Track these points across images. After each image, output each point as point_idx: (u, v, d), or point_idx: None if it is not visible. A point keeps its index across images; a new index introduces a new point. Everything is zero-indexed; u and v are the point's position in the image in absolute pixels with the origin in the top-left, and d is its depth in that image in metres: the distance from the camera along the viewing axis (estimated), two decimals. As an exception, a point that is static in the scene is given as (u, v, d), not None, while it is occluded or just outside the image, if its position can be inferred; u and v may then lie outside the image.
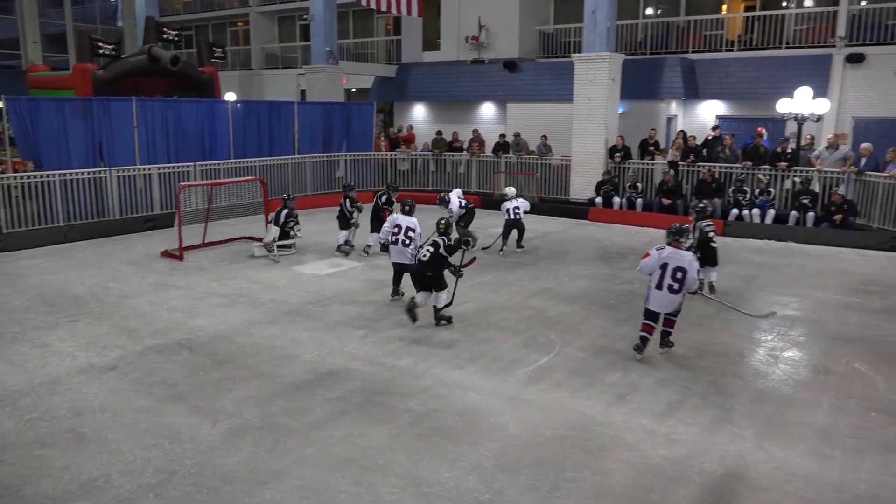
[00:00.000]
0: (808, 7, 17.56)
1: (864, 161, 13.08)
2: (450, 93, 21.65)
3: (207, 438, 5.10)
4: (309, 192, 16.90)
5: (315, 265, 10.64)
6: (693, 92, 17.99)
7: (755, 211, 13.44)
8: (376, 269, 10.42)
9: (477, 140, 18.09)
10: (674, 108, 18.52)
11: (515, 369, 6.47)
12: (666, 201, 14.38)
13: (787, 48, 17.26)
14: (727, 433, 5.24)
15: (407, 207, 8.80)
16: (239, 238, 12.28)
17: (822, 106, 13.58)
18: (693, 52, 18.37)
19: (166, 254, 11.07)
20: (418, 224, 8.57)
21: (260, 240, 11.43)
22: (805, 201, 13.06)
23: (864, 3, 16.72)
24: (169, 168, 14.11)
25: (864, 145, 13.32)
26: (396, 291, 8.77)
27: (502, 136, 17.94)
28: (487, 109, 21.52)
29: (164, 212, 13.69)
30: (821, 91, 15.05)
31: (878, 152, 13.23)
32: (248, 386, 6.05)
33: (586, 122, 15.86)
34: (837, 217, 12.51)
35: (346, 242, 11.45)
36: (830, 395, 5.94)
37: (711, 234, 8.94)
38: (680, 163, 14.78)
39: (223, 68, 23.36)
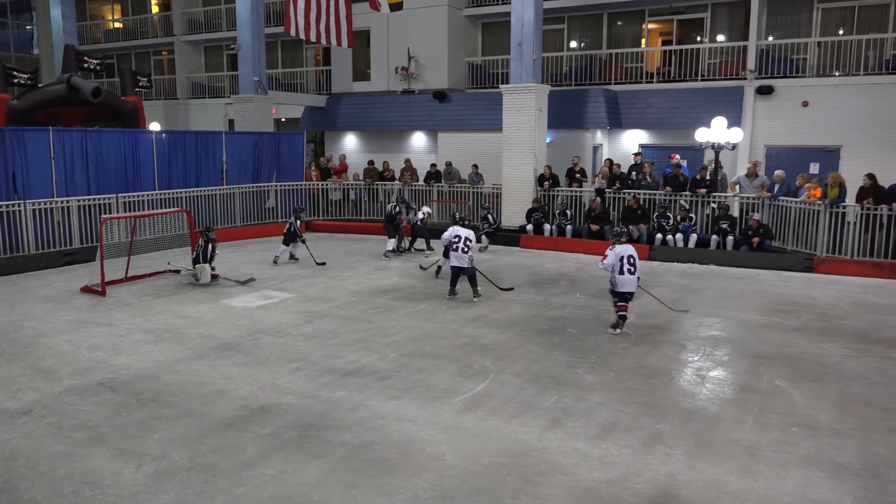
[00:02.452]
0: (721, 42, 18.55)
1: (777, 187, 13.80)
2: (381, 123, 21.74)
3: (131, 483, 4.86)
4: (238, 223, 16.56)
5: (245, 298, 10.39)
6: (616, 121, 18.64)
7: (678, 236, 13.95)
8: (308, 300, 10.27)
9: (409, 169, 18.19)
10: (599, 136, 19.13)
11: (451, 398, 6.45)
12: (594, 227, 14.77)
13: (702, 80, 18.14)
14: (659, 454, 5.35)
15: (466, 221, 10.74)
16: (164, 271, 11.89)
17: (737, 135, 14.30)
18: (615, 83, 19.09)
19: (87, 289, 10.61)
20: (474, 235, 10.43)
21: (178, 270, 11.30)
22: (724, 226, 13.65)
23: (770, 39, 17.78)
24: (89, 200, 13.59)
25: (778, 172, 14.06)
26: (453, 291, 10.34)
27: (433, 165, 18.11)
28: (418, 139, 21.70)
29: (84, 245, 13.15)
30: (735, 121, 15.87)
31: (789, 178, 13.99)
32: (175, 425, 5.81)
33: (515, 150, 16.20)
34: (755, 240, 13.11)
35: (292, 256, 13.25)
36: (754, 412, 6.16)
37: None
38: (606, 190, 15.24)
39: (147, 98, 22.80)
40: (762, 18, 17.54)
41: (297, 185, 17.94)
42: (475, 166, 17.49)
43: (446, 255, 11.75)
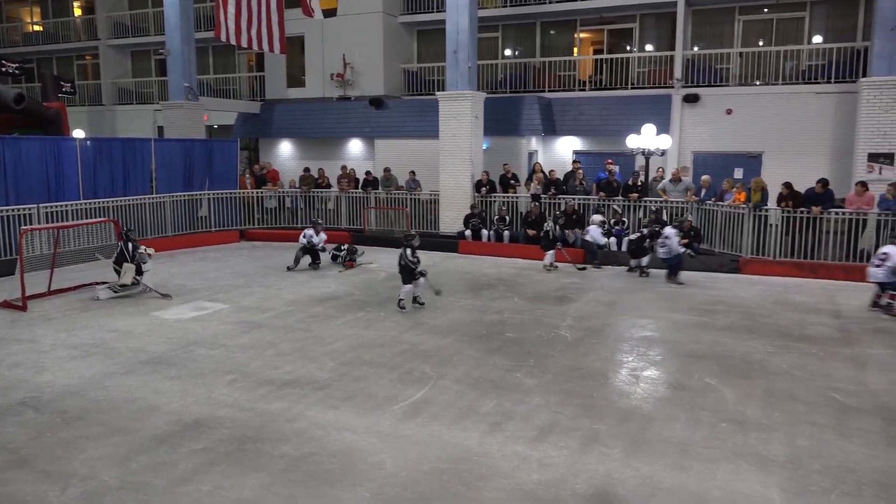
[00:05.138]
0: (649, 52, 19.14)
1: (704, 191, 14.31)
2: (316, 130, 21.52)
3: (56, 506, 4.64)
4: (169, 233, 16.08)
5: (177, 309, 10.09)
6: (551, 128, 18.98)
7: (612, 239, 14.28)
8: (244, 310, 10.04)
9: (346, 176, 18.05)
10: (534, 143, 19.43)
11: (391, 405, 6.42)
12: (531, 232, 14.98)
13: (632, 88, 18.67)
14: (596, 453, 5.46)
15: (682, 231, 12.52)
16: (90, 284, 11.42)
17: (666, 141, 14.76)
18: (549, 91, 19.44)
19: (6, 304, 10.10)
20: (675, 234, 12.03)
21: (104, 283, 10.92)
22: (657, 229, 14.03)
23: (696, 49, 18.46)
24: (8, 211, 12.95)
25: (704, 177, 14.61)
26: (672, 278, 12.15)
27: (368, 172, 18.05)
28: (355, 146, 21.57)
29: (2, 258, 12.50)
30: (663, 128, 16.38)
31: (715, 183, 14.53)
32: (103, 444, 5.58)
33: (452, 157, 16.30)
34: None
35: (416, 300, 10.27)
36: (686, 410, 6.35)
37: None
38: (542, 196, 15.48)
39: (71, 104, 21.94)
40: (687, 29, 18.19)
41: (230, 194, 17.56)
42: (412, 173, 17.50)
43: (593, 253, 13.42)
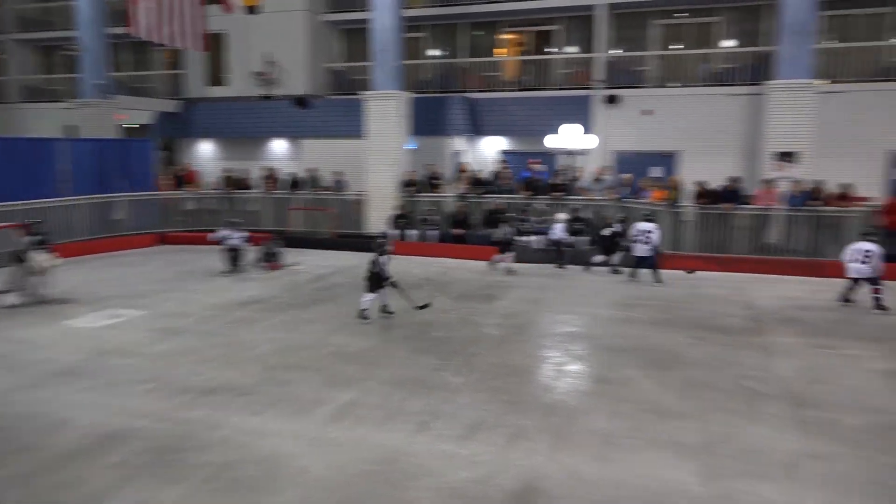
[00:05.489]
0: (570, 53, 19.55)
1: (624, 189, 14.73)
2: (240, 129, 21.00)
3: (-45, 530, 4.35)
4: (82, 237, 15.33)
5: (90, 317, 9.62)
6: (477, 128, 19.13)
7: (535, 237, 14.49)
8: (163, 316, 9.68)
9: (270, 176, 17.69)
10: (461, 143, 19.53)
11: (317, 409, 6.32)
12: (457, 231, 15.06)
13: (555, 89, 19.00)
14: (523, 449, 5.53)
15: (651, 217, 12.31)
16: (-4, 292, 10.77)
17: (589, 141, 15.11)
18: (475, 91, 19.58)
19: None
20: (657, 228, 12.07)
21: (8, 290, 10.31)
22: (578, 227, 14.37)
23: (613, 52, 18.96)
24: None
25: (626, 176, 15.05)
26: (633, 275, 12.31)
27: (290, 174, 17.75)
28: (281, 146, 21.16)
29: None
30: (586, 128, 16.76)
31: (634, 182, 14.96)
32: (7, 463, 5.26)
33: (379, 157, 16.22)
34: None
35: (385, 309, 9.67)
36: (608, 402, 6.52)
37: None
38: (468, 196, 15.59)
39: (-29, 102, 20.66)
40: (608, 32, 18.66)
41: (148, 196, 16.90)
42: (338, 173, 17.29)
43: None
